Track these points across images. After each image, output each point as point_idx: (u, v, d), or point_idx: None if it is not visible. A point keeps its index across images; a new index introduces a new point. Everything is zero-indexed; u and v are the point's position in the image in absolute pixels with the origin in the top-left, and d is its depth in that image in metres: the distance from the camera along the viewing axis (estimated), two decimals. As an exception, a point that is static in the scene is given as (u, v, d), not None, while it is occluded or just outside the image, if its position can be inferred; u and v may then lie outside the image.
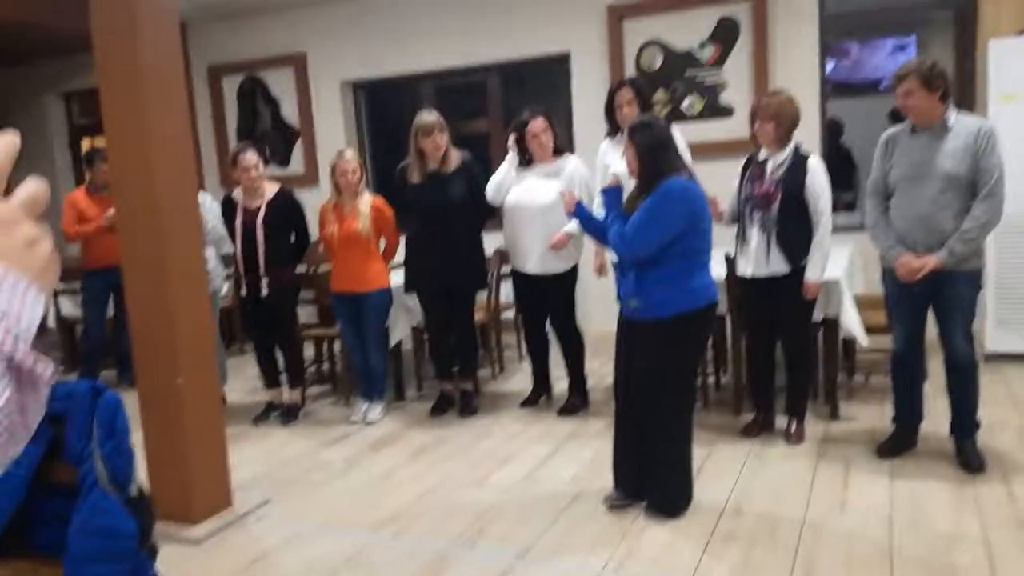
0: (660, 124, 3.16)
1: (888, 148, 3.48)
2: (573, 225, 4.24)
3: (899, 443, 3.62)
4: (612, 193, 3.20)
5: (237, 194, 4.59)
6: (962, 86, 5.40)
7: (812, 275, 3.69)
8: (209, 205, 4.83)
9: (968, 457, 3.42)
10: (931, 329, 3.50)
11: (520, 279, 4.51)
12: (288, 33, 7.09)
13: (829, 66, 7.31)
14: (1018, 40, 4.80)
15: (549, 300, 4.46)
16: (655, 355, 3.08)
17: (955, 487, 3.26)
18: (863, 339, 4.03)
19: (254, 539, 3.24)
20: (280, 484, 3.79)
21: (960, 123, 3.31)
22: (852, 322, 3.97)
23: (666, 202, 2.99)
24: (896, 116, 3.53)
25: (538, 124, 4.31)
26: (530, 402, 4.68)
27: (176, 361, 3.25)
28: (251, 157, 4.46)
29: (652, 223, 2.99)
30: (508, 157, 4.44)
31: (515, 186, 4.39)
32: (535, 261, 4.35)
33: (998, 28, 5.06)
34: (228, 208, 4.60)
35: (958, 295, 3.35)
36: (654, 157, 3.06)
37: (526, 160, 4.40)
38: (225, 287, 5.09)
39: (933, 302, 3.43)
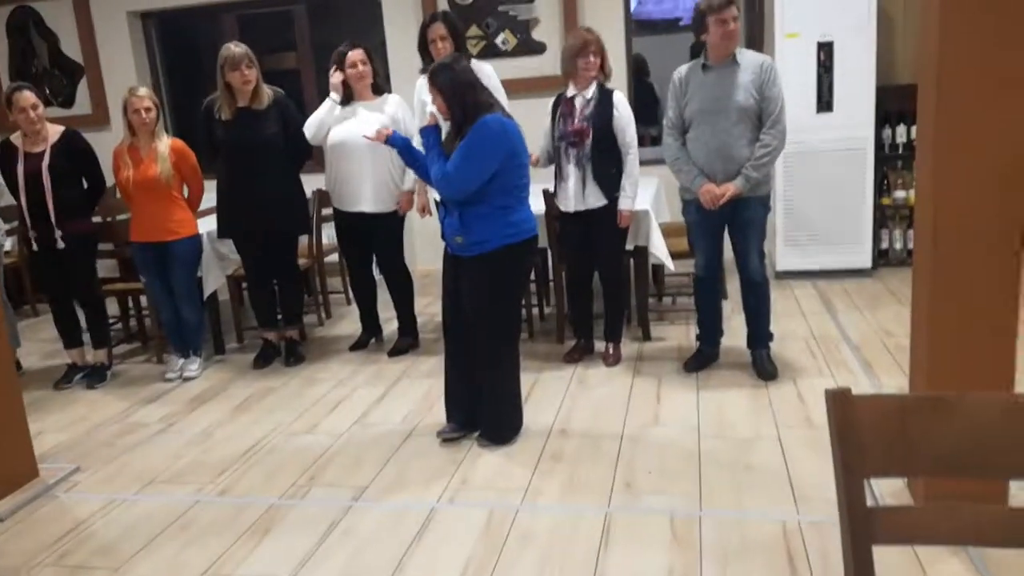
0: (461, 64, 3.13)
1: (682, 85, 3.66)
2: (410, 181, 4.20)
3: (703, 358, 3.93)
4: (430, 132, 3.18)
5: (16, 139, 4.13)
6: (751, 24, 5.77)
7: (624, 204, 3.87)
8: None
9: (763, 366, 3.77)
10: (728, 252, 3.79)
11: (344, 220, 4.37)
12: (62, -42, 6.37)
13: (633, 4, 7.56)
14: (799, -19, 5.17)
15: (376, 241, 4.38)
16: (481, 289, 3.14)
17: (753, 394, 3.59)
18: (670, 264, 4.30)
19: (65, 510, 3.02)
20: (91, 449, 3.54)
21: (745, 58, 3.55)
22: (660, 249, 4.21)
23: (483, 139, 3.00)
24: (695, 52, 3.72)
25: (357, 54, 4.18)
26: (360, 345, 4.63)
27: (-45, 327, 2.93)
28: (28, 96, 4.02)
29: (472, 160, 3.00)
30: (331, 95, 4.25)
31: (338, 124, 4.23)
32: (365, 200, 4.23)
33: (782, -30, 5.42)
34: (6, 155, 4.13)
35: (752, 218, 3.64)
36: (461, 97, 3.05)
37: (347, 97, 4.25)
38: (8, 242, 4.61)
39: (729, 227, 3.71)
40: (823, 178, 5.28)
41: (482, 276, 3.13)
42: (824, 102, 5.21)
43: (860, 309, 4.72)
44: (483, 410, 3.28)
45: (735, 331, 4.13)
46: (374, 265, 4.53)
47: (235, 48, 4.08)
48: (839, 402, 1.36)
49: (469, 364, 3.26)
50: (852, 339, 4.22)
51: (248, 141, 4.13)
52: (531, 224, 3.20)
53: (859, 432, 1.36)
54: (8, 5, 6.59)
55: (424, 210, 4.40)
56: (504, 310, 3.21)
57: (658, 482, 2.88)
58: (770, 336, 3.84)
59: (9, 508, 3.00)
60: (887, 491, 2.68)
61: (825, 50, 5.15)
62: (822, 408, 3.35)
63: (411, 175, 4.24)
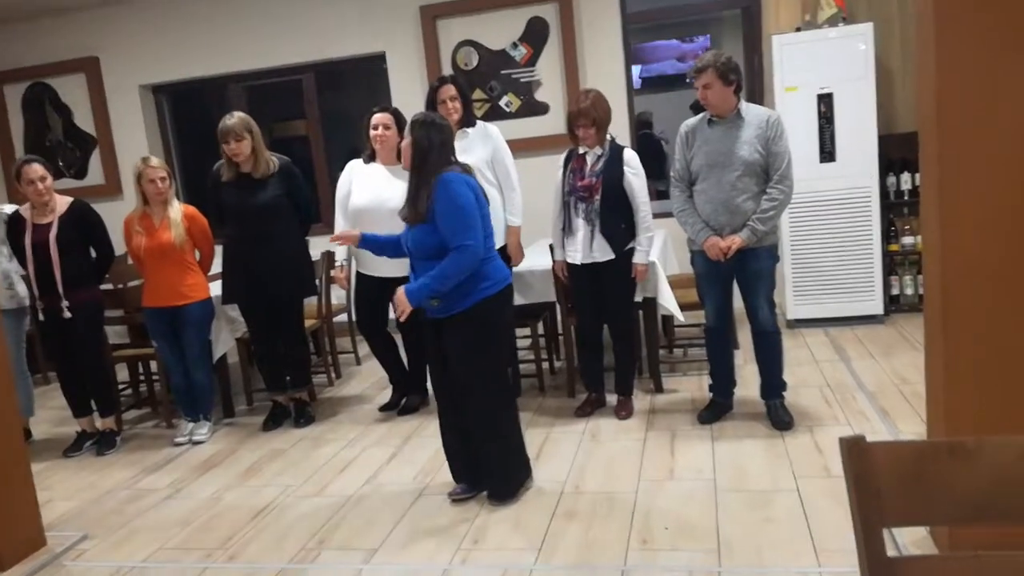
0: (441, 123, 3.10)
1: (688, 138, 3.70)
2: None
3: (717, 409, 3.89)
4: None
5: (25, 211, 4.20)
6: (751, 79, 5.86)
7: (639, 258, 3.89)
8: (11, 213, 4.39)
9: (778, 416, 3.72)
10: (738, 303, 3.77)
11: (366, 282, 4.33)
12: (77, 36, 6.59)
13: (640, 67, 7.71)
14: (796, 36, 5.27)
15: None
16: (466, 348, 3.10)
17: (769, 444, 3.53)
18: (679, 315, 4.28)
19: (72, 580, 2.98)
20: (99, 517, 3.50)
21: (750, 113, 3.59)
22: (669, 300, 4.20)
23: (453, 191, 2.97)
24: (698, 108, 3.78)
25: (381, 117, 4.20)
26: (391, 405, 4.52)
27: (-35, 395, 2.93)
28: (37, 168, 4.09)
29: (460, 214, 2.96)
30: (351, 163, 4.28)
31: (360, 186, 4.25)
32: (390, 265, 4.10)
33: (779, 25, 5.53)
34: (15, 226, 4.19)
35: (760, 269, 3.63)
36: (427, 154, 3.02)
37: (369, 157, 4.28)
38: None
39: (737, 277, 3.70)
40: (830, 227, 5.29)
41: (465, 335, 3.08)
42: (827, 152, 5.25)
43: (874, 356, 4.67)
44: (486, 470, 3.23)
45: (748, 381, 4.08)
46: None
47: (228, 121, 4.13)
48: (854, 450, 1.34)
49: (465, 425, 3.21)
50: (867, 386, 4.17)
51: (249, 205, 4.17)
52: (503, 273, 3.16)
53: (875, 480, 1.33)
54: (24, 81, 6.77)
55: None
56: (492, 365, 3.15)
57: (675, 538, 2.81)
58: (784, 385, 3.79)
59: (16, 579, 2.96)
60: (910, 540, 2.61)
61: (825, 102, 5.21)
62: (840, 457, 3.30)
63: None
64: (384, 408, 4.55)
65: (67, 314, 4.16)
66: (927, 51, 2.35)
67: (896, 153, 5.39)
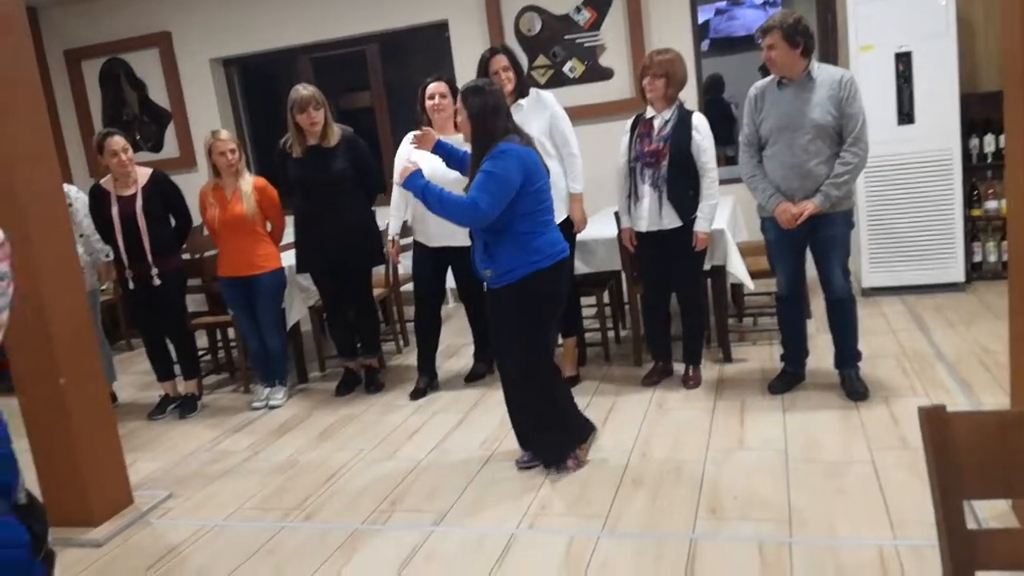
0: (491, 88, 3.12)
1: (757, 102, 3.60)
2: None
3: (788, 379, 3.82)
4: (418, 175, 3.12)
5: (107, 183, 4.35)
6: (824, 38, 5.66)
7: (701, 227, 3.82)
8: (76, 196, 4.56)
9: (852, 386, 3.63)
10: (811, 270, 3.68)
11: (424, 252, 4.32)
12: (149, 12, 6.77)
13: (709, 20, 7.52)
14: (873, -8, 5.06)
15: (456, 270, 4.34)
16: (514, 318, 3.13)
17: (842, 415, 3.46)
18: (749, 283, 4.21)
19: (159, 536, 3.13)
20: (182, 477, 3.67)
21: (823, 74, 3.46)
22: (738, 268, 4.13)
23: (502, 161, 2.98)
24: (767, 70, 3.67)
25: (437, 86, 4.14)
26: (418, 394, 4.36)
27: (55, 362, 3.08)
28: (119, 140, 4.23)
29: (493, 182, 2.97)
30: (408, 135, 4.22)
31: (418, 158, 4.22)
32: (454, 234, 4.04)
33: (855, -19, 5.31)
34: (98, 199, 4.34)
35: (834, 235, 3.53)
36: (484, 121, 3.04)
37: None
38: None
39: (811, 244, 3.60)
40: (908, 191, 5.10)
41: (513, 306, 3.11)
42: (905, 114, 5.05)
43: (954, 325, 4.52)
44: (534, 433, 3.29)
45: (821, 351, 4.00)
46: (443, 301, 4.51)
47: (303, 91, 4.18)
48: (934, 420, 1.31)
49: (514, 391, 3.29)
50: (947, 356, 4.04)
51: (319, 178, 4.23)
52: (557, 248, 3.14)
53: (956, 451, 1.30)
54: (100, 57, 6.99)
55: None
56: (538, 336, 3.16)
57: (745, 508, 2.80)
58: (858, 355, 3.70)
59: (106, 534, 3.12)
60: (991, 514, 2.54)
61: (903, 60, 5.00)
62: (917, 428, 3.20)
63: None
64: (413, 396, 4.35)
65: (157, 281, 4.32)
66: (1013, 4, 2.23)
67: (979, 113, 5.15)
